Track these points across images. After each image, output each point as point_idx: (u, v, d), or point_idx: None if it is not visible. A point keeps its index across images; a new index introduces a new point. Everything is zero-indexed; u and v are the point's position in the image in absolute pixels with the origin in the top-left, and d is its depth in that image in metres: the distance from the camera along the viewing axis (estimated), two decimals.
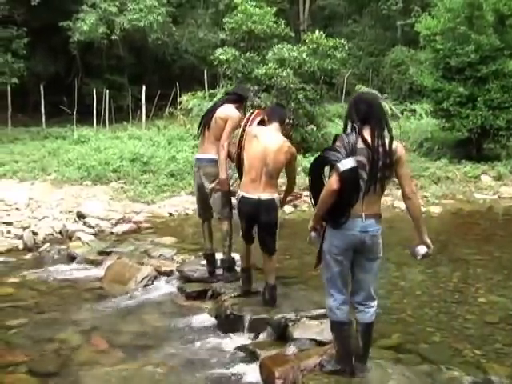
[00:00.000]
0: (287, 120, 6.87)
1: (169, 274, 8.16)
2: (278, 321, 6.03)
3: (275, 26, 20.08)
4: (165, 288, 7.88)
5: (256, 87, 18.47)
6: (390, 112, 20.82)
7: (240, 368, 5.50)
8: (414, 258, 5.05)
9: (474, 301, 7.32)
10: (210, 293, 7.34)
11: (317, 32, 19.16)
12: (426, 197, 14.61)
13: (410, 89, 28.97)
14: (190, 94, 21.87)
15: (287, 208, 13.10)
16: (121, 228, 11.02)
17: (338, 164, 4.53)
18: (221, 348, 6.01)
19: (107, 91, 25.08)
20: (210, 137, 7.38)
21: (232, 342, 6.08)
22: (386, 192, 13.60)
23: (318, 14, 39.01)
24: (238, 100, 7.57)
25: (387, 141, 4.70)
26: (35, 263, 9.19)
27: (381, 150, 4.65)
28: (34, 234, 10.32)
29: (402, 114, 21.82)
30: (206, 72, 25.42)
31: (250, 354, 5.69)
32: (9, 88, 24.65)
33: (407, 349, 5.76)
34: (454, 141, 19.65)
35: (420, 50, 26.98)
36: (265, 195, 6.30)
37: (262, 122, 6.76)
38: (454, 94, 18.19)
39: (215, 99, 14.32)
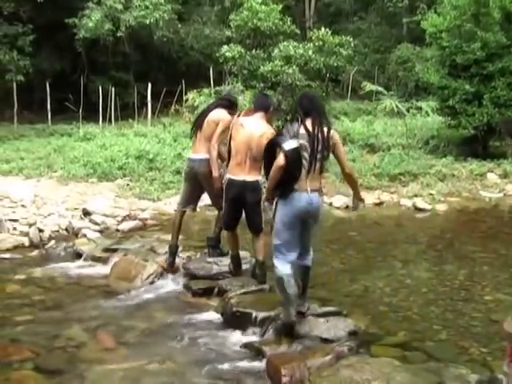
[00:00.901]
0: (271, 108, 7.31)
1: (175, 271, 8.14)
2: None
3: (281, 23, 20.10)
4: (171, 285, 7.89)
5: (262, 84, 18.45)
6: (395, 109, 20.77)
7: (246, 365, 5.51)
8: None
9: (480, 299, 7.32)
10: (216, 290, 7.35)
11: (322, 29, 19.17)
12: (431, 194, 14.57)
13: (415, 86, 28.88)
14: (195, 91, 21.84)
15: None
16: (127, 225, 11.02)
17: (283, 144, 5.60)
18: (227, 345, 6.01)
19: (113, 88, 25.07)
20: (202, 138, 7.94)
21: (238, 340, 6.08)
22: (392, 190, 13.64)
23: (323, 11, 38.96)
24: (230, 106, 8.12)
25: (325, 129, 5.78)
26: (41, 260, 9.20)
27: (320, 136, 5.71)
28: (40, 230, 10.33)
29: (408, 111, 21.70)
30: (211, 69, 25.37)
31: (256, 352, 5.69)
32: (14, 85, 24.68)
33: (413, 346, 5.77)
34: (459, 138, 19.61)
35: (426, 48, 26.89)
36: (250, 177, 6.99)
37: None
38: (460, 91, 18.12)
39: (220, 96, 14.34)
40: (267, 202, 6.07)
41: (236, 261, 7.67)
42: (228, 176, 7.13)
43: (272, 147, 5.90)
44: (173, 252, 8.16)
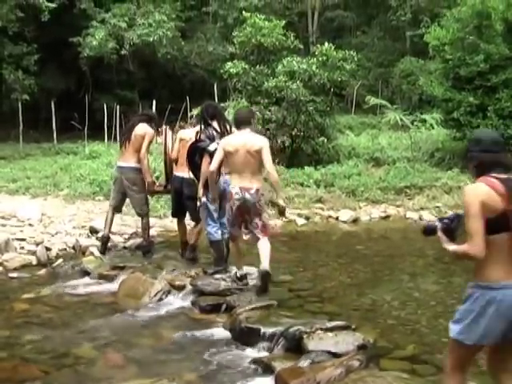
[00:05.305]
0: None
1: (182, 287, 8.14)
2: (293, 333, 6.03)
3: (284, 38, 20.07)
4: (179, 302, 7.89)
5: (266, 100, 18.48)
6: (400, 123, 20.77)
7: (255, 381, 5.50)
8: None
9: None
10: (224, 306, 7.36)
11: (326, 44, 19.13)
12: (437, 207, 14.56)
13: (419, 99, 28.95)
14: (200, 107, 21.88)
15: (299, 220, 13.11)
16: (134, 242, 11.00)
17: (208, 148, 7.71)
18: (236, 361, 6.00)
19: (118, 106, 25.12)
20: (130, 149, 9.44)
21: (247, 355, 6.08)
22: (398, 203, 13.64)
23: (326, 26, 39.08)
24: (150, 120, 9.79)
25: (228, 127, 8.03)
26: (49, 279, 9.20)
27: (226, 133, 7.89)
28: (48, 249, 10.34)
29: (413, 124, 21.68)
30: (215, 86, 25.47)
31: (265, 367, 5.68)
32: (20, 104, 24.79)
33: (422, 359, 5.74)
34: (465, 150, 19.53)
35: (429, 61, 26.96)
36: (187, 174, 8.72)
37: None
38: (465, 103, 18.14)
39: (225, 113, 14.32)
40: (204, 199, 7.92)
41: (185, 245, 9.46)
42: (176, 173, 9.03)
43: (195, 152, 7.99)
44: (104, 242, 9.86)
